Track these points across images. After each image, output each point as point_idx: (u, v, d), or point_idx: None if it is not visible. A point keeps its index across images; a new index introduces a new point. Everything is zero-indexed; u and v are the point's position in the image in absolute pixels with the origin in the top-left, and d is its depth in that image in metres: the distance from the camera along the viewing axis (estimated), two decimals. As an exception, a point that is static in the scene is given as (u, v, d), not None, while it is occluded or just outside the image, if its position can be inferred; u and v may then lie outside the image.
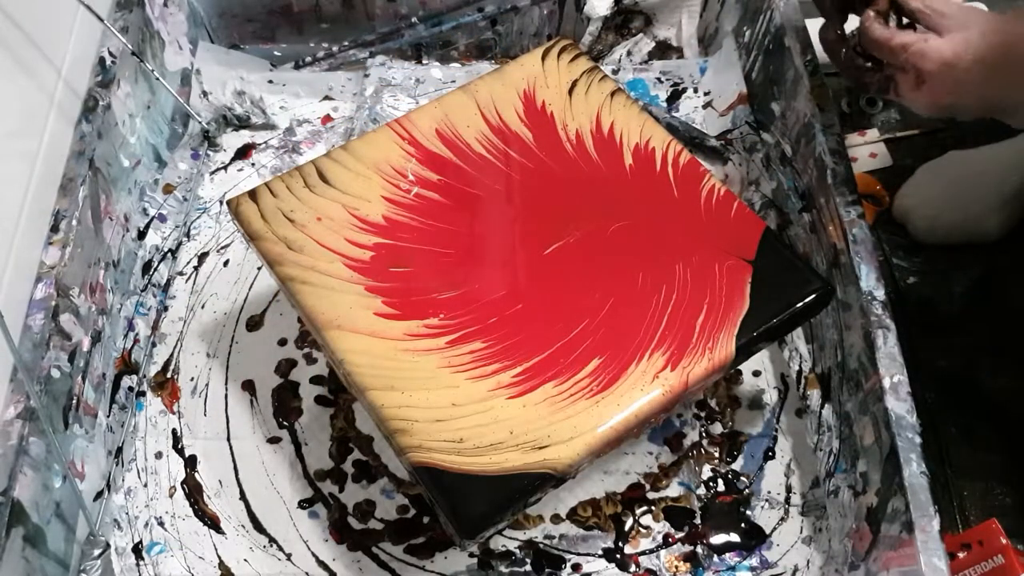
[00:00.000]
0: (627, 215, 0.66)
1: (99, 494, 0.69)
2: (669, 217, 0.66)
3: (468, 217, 0.67)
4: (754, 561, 0.70)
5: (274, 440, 0.75)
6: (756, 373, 0.77)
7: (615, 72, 0.95)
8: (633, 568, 0.69)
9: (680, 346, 0.60)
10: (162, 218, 0.84)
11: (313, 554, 0.70)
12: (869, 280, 0.68)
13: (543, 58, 0.74)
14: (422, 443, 0.56)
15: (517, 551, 0.70)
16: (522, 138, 0.70)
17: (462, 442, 0.56)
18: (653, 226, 0.66)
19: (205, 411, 0.76)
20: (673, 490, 0.72)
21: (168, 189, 0.85)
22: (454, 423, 0.57)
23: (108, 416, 0.72)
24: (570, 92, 0.72)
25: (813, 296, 0.63)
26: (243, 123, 0.92)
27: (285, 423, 0.75)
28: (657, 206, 0.67)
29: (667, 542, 0.70)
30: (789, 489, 0.72)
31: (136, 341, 0.77)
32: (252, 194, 0.67)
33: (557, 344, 0.60)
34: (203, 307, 0.81)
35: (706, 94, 0.93)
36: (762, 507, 0.72)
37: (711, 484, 0.72)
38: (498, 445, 0.56)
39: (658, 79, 0.94)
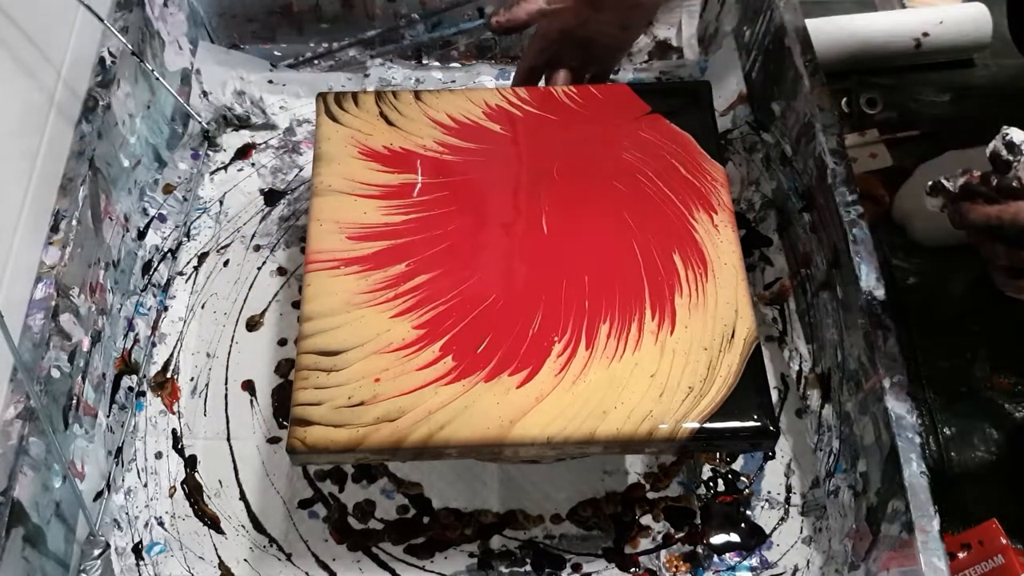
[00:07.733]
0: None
1: (99, 494, 0.69)
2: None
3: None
4: (754, 561, 0.70)
5: (274, 440, 0.75)
6: (756, 373, 0.77)
7: (615, 72, 0.94)
8: (633, 568, 0.69)
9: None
10: (162, 218, 0.83)
11: (313, 554, 0.70)
12: (869, 280, 0.68)
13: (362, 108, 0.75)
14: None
15: (517, 551, 0.70)
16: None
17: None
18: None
19: (205, 411, 0.76)
20: (673, 490, 0.72)
21: (168, 189, 0.85)
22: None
23: (108, 416, 0.72)
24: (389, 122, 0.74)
25: None
26: (243, 123, 0.92)
27: (285, 423, 0.75)
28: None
29: (667, 542, 0.70)
30: (789, 489, 0.72)
31: (136, 341, 0.77)
32: None
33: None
34: (203, 307, 0.81)
35: (706, 94, 0.93)
36: (762, 507, 0.72)
37: (711, 484, 0.72)
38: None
39: (658, 79, 0.94)
